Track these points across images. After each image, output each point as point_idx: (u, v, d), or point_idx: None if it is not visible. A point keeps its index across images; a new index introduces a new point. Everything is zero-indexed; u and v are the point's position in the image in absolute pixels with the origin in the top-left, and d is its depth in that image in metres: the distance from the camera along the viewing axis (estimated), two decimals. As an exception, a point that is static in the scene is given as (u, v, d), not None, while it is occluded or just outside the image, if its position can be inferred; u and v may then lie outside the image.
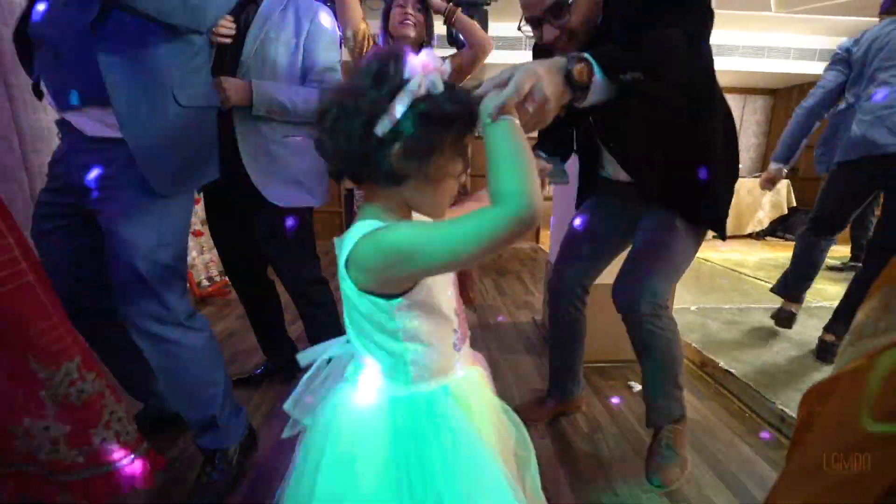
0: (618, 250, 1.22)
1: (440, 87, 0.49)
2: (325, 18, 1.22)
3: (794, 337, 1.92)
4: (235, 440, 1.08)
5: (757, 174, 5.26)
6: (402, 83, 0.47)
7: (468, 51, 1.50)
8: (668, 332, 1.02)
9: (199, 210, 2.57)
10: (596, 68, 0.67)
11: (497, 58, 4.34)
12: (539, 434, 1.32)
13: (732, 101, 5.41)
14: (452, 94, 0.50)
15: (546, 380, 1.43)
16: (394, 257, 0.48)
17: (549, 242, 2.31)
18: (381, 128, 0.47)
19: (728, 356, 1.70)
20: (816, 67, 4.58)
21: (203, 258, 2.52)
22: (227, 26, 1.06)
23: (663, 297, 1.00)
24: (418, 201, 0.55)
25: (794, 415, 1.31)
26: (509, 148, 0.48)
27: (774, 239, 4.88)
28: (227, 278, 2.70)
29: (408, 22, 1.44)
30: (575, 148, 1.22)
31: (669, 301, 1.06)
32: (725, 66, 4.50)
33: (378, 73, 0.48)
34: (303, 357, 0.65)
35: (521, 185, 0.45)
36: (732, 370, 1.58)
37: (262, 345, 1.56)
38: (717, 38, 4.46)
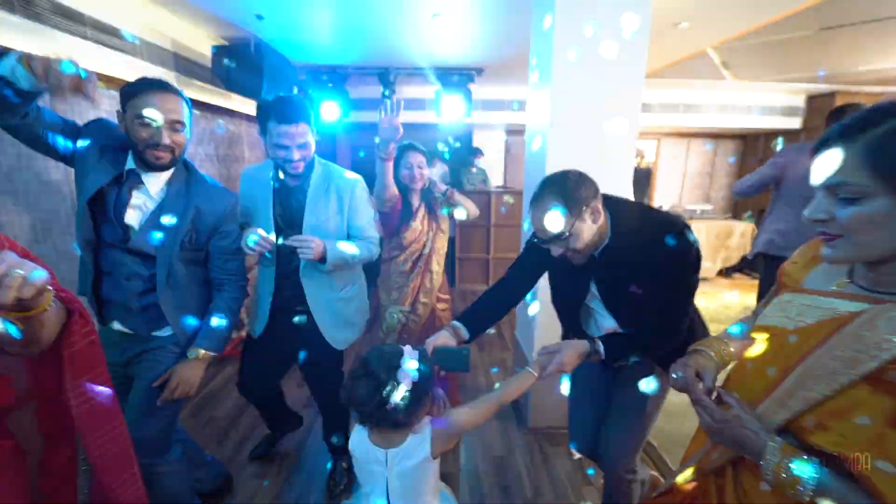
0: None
1: (417, 374, 0.91)
2: (360, 190, 1.55)
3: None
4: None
5: (727, 215, 5.68)
6: (398, 382, 0.88)
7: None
8: (633, 490, 1.34)
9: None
10: (604, 355, 1.10)
11: (487, 118, 4.77)
12: (489, 498, 1.73)
13: (704, 145, 5.83)
14: (423, 373, 0.91)
15: (507, 445, 1.94)
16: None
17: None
18: (392, 404, 0.87)
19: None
20: (778, 122, 5.00)
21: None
22: (264, 245, 1.36)
23: (637, 460, 1.33)
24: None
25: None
26: (516, 386, 1.04)
27: (741, 276, 5.29)
28: (241, 334, 3.10)
29: (417, 179, 1.88)
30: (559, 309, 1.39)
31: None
32: (694, 123, 4.92)
33: (382, 381, 0.88)
34: None
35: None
36: (653, 441, 1.98)
37: (270, 426, 1.93)
38: (685, 97, 4.93)
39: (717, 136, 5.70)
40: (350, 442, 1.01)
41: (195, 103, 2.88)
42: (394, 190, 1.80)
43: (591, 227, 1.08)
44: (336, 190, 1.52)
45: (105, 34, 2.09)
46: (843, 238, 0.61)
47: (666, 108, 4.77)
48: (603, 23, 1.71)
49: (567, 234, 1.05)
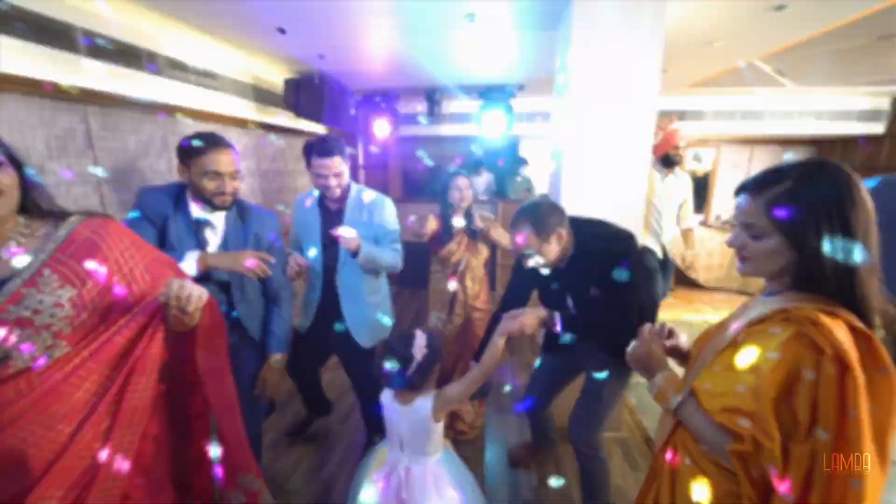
0: (571, 380, 1.77)
1: (426, 350, 1.20)
2: (387, 208, 1.85)
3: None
4: None
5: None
6: (412, 356, 1.18)
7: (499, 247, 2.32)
8: (600, 466, 1.56)
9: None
10: (559, 326, 1.32)
11: (533, 129, 4.89)
12: (498, 488, 1.93)
13: (767, 153, 5.45)
14: (431, 349, 1.20)
15: (521, 436, 2.15)
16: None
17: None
18: (410, 371, 1.18)
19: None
20: (856, 127, 4.57)
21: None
22: (296, 269, 1.64)
23: (601, 439, 1.56)
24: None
25: None
26: (489, 356, 1.25)
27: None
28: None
29: (465, 199, 2.20)
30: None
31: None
32: (755, 130, 4.65)
33: (403, 356, 1.19)
34: None
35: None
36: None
37: (306, 406, 2.28)
38: (744, 103, 4.63)
39: (784, 142, 5.31)
40: (381, 398, 1.32)
41: (270, 127, 3.39)
42: (430, 227, 2.20)
43: (555, 249, 1.33)
44: (368, 209, 1.83)
45: (203, 77, 2.59)
46: (750, 260, 0.84)
47: (721, 115, 4.58)
48: (616, 47, 1.86)
49: (536, 252, 1.32)
